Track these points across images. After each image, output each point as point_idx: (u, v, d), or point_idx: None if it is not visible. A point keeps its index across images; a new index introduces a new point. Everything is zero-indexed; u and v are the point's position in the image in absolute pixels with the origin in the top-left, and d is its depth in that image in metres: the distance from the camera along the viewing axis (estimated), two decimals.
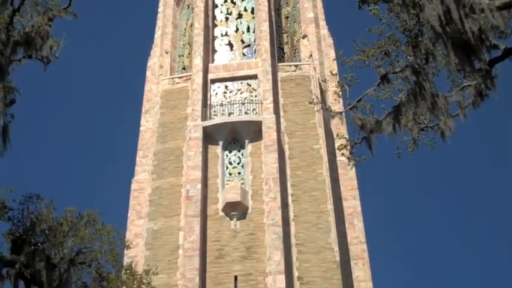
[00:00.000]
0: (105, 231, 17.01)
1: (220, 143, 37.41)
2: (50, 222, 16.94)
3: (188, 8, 44.68)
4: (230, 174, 36.79)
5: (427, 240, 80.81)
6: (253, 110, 38.36)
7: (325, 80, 37.95)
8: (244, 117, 38.06)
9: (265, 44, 39.85)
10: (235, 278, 33.46)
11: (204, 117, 38.11)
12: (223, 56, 41.65)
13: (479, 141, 77.34)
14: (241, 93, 39.19)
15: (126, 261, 21.78)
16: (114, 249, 17.00)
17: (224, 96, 39.21)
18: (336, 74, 36.75)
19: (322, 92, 38.70)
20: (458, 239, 79.15)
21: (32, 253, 16.56)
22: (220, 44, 42.01)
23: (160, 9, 45.18)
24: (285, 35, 43.35)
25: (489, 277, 75.50)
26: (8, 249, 16.78)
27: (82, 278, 17.05)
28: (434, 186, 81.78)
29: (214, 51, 41.69)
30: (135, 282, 17.01)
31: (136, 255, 33.34)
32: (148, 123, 39.78)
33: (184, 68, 42.14)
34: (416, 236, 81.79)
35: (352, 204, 36.56)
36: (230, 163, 37.12)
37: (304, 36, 41.93)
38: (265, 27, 40.56)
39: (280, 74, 39.74)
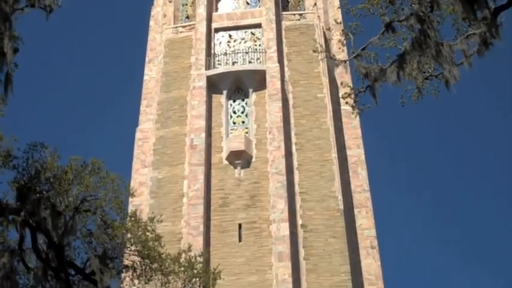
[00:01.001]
0: (110, 179, 17.09)
1: (224, 92, 37.39)
2: (54, 171, 16.99)
3: None
4: (234, 123, 36.85)
5: (431, 187, 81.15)
6: (257, 59, 38.25)
7: (329, 28, 37.77)
8: (248, 67, 37.97)
9: None
10: (240, 225, 33.73)
11: (208, 67, 38.02)
12: (227, 5, 41.36)
13: (484, 90, 77.07)
14: (245, 42, 39.03)
15: (130, 209, 21.92)
16: (119, 197, 17.10)
17: (228, 45, 39.05)
18: (340, 23, 36.32)
19: (327, 41, 38.48)
20: (463, 182, 79.42)
21: (37, 201, 16.66)
22: None
23: None
24: None
25: (494, 209, 76.00)
26: (14, 197, 16.88)
27: (87, 225, 17.20)
28: (438, 135, 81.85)
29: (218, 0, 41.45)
30: (140, 229, 17.16)
31: (140, 203, 33.56)
32: (152, 73, 39.68)
33: (187, 17, 41.87)
34: (420, 183, 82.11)
35: (356, 152, 36.63)
36: (234, 112, 37.14)
37: None
38: None
39: (284, 23, 39.50)
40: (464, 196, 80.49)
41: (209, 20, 39.51)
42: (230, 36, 39.30)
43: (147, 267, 17.32)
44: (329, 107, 36.61)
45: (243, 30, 39.39)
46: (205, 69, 37.66)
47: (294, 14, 40.23)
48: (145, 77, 39.71)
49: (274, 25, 38.47)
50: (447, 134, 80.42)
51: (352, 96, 18.21)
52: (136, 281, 17.81)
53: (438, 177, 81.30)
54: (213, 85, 37.34)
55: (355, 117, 28.44)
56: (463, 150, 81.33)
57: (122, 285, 17.99)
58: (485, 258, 77.55)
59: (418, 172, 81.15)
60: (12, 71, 16.78)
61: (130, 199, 28.53)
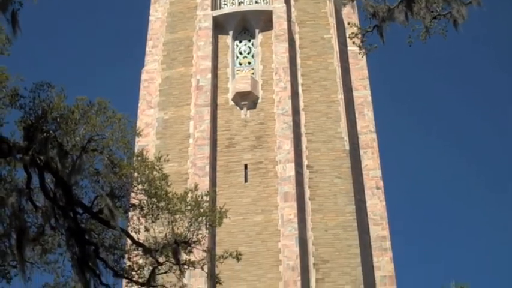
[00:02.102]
0: (116, 119, 17.08)
1: (231, 32, 37.17)
2: (61, 110, 16.97)
3: None
4: (240, 64, 36.72)
5: (437, 128, 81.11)
6: None
7: None
8: (254, 7, 37.68)
9: None
10: (245, 166, 33.87)
11: (214, 7, 37.72)
12: None
13: (492, 31, 76.46)
14: None
15: (137, 149, 21.99)
16: (125, 137, 17.12)
17: None
18: None
19: None
20: (470, 121, 79.43)
21: (44, 140, 16.70)
22: None
23: None
24: None
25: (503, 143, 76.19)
26: (21, 136, 16.92)
27: (94, 164, 17.28)
28: (445, 76, 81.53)
29: None
30: (147, 168, 17.23)
31: (147, 144, 33.67)
32: (158, 13, 39.37)
33: None
34: (426, 123, 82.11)
35: (362, 94, 36.54)
36: (240, 53, 36.98)
37: None
38: None
39: None
40: (471, 134, 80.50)
41: None
42: None
43: (154, 206, 17.45)
44: (336, 47, 36.42)
45: None
46: (211, 10, 37.38)
47: None
48: (151, 18, 39.41)
49: None
50: (454, 75, 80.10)
51: (359, 36, 18.10)
52: (143, 220, 17.97)
53: (444, 117, 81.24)
54: (219, 26, 37.11)
55: (362, 57, 28.35)
56: (470, 90, 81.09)
57: (129, 224, 18.17)
58: (492, 193, 78.02)
59: (424, 113, 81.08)
60: (17, 9, 16.66)
61: (136, 140, 28.68)
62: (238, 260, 18.28)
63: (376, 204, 33.39)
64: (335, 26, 37.01)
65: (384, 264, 31.84)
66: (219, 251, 19.41)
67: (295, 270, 30.69)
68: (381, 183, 33.99)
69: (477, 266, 76.83)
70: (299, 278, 30.49)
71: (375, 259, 32.02)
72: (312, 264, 31.41)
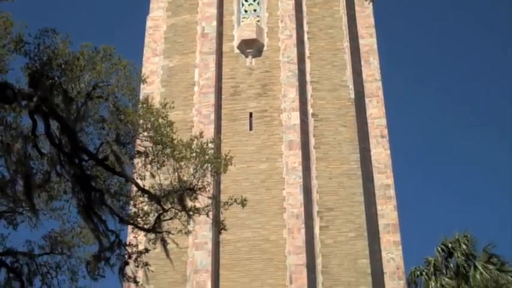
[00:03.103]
0: (121, 66, 16.99)
1: None
2: (66, 57, 16.90)
3: None
4: (245, 11, 36.42)
5: (442, 77, 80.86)
6: None
7: None
8: None
9: None
10: (250, 114, 33.84)
11: None
12: None
13: None
14: None
15: (142, 97, 21.92)
16: (131, 84, 17.08)
17: None
18: None
19: None
20: (473, 71, 79.08)
21: (49, 87, 16.65)
22: None
23: None
24: None
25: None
26: (26, 83, 16.89)
27: (99, 111, 17.27)
28: (451, 25, 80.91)
29: None
30: (152, 115, 17.21)
31: (152, 92, 33.58)
32: None
33: None
34: (432, 73, 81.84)
35: (368, 42, 36.23)
36: (245, 0, 36.66)
37: None
38: None
39: None
40: (474, 85, 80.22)
41: None
42: None
43: (160, 153, 17.47)
44: None
45: None
46: None
47: None
48: None
49: None
50: (460, 25, 79.50)
51: None
52: (148, 166, 18.01)
53: (449, 66, 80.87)
54: None
55: (369, 4, 28.11)
56: (475, 40, 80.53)
57: (134, 171, 18.22)
58: (495, 141, 78.10)
59: (430, 63, 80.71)
60: None
61: (141, 87, 28.60)
62: (243, 206, 18.35)
63: (380, 152, 33.39)
64: None
65: (387, 212, 31.98)
66: (223, 198, 19.52)
67: (299, 217, 30.89)
68: (385, 132, 33.94)
69: (480, 215, 77.23)
70: (303, 225, 30.70)
71: (378, 207, 32.16)
72: (316, 212, 31.59)
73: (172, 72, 35.24)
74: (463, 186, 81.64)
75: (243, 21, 35.89)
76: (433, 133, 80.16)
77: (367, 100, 34.58)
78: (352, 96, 33.80)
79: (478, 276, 36.11)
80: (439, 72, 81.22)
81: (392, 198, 32.31)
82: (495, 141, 79.54)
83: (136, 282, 20.08)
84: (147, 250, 19.53)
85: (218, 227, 20.52)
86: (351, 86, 33.97)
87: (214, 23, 35.17)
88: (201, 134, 18.73)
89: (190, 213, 18.16)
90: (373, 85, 34.97)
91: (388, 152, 33.39)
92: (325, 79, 34.33)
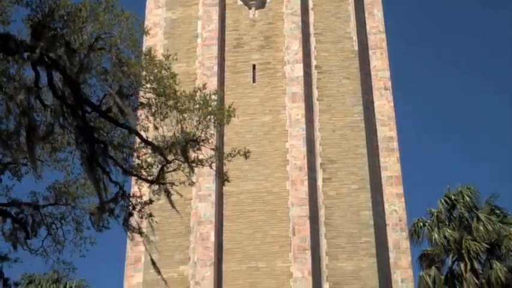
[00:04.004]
0: (124, 17, 16.87)
1: None
2: (68, 8, 16.78)
3: None
4: None
5: (446, 30, 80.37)
6: None
7: None
8: None
9: None
10: (254, 66, 33.74)
11: None
12: None
13: None
14: None
15: (145, 49, 21.80)
16: (133, 35, 16.98)
17: None
18: None
19: None
20: (476, 28, 78.62)
21: (51, 38, 16.57)
22: None
23: None
24: None
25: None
26: (28, 34, 16.80)
27: (102, 63, 17.19)
28: None
29: None
30: (155, 67, 17.14)
31: (155, 44, 33.41)
32: None
33: None
34: (436, 26, 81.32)
35: None
36: None
37: None
38: None
39: None
40: (477, 37, 79.79)
41: None
42: None
43: (163, 105, 17.45)
44: None
45: None
46: None
47: None
48: None
49: None
50: None
51: None
52: (151, 118, 18.02)
53: (453, 19, 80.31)
54: None
55: None
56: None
57: (137, 122, 18.22)
58: (496, 86, 77.95)
59: (435, 16, 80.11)
60: None
61: (144, 39, 28.49)
62: (246, 157, 18.37)
63: (384, 104, 33.36)
64: None
65: (390, 164, 32.06)
66: (226, 151, 19.52)
67: (302, 170, 30.99)
68: (389, 84, 33.87)
69: (483, 168, 77.42)
70: (306, 177, 30.81)
71: (381, 159, 32.22)
72: (319, 164, 31.68)
73: (175, 24, 35.06)
74: (466, 139, 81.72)
75: None
76: (437, 86, 79.97)
77: (370, 52, 34.43)
78: (356, 48, 33.65)
79: (480, 227, 36.36)
80: (443, 24, 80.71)
81: (396, 150, 32.35)
82: (498, 95, 79.36)
83: (140, 233, 20.23)
84: (151, 201, 19.63)
85: (221, 178, 20.56)
86: (355, 38, 33.79)
87: None
88: (204, 86, 18.66)
89: (194, 164, 18.20)
90: (377, 37, 34.77)
91: (392, 104, 33.35)
92: (329, 31, 34.15)
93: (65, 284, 40.74)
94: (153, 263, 22.65)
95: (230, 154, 18.49)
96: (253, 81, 33.48)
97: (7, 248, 20.14)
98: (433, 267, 38.19)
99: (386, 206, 31.27)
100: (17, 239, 19.83)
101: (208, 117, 17.69)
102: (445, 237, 36.78)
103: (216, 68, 33.02)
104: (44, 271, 39.49)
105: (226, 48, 34.12)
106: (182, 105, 17.38)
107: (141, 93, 17.82)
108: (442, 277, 37.76)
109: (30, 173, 19.78)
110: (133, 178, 19.81)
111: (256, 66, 33.69)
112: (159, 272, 22.10)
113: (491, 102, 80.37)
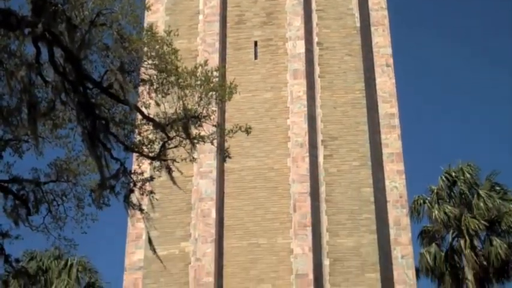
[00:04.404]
0: None
1: None
2: None
3: None
4: None
5: (447, 7, 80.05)
6: None
7: None
8: None
9: None
10: (255, 43, 33.64)
11: None
12: None
13: None
14: None
15: (146, 26, 21.69)
16: (135, 11, 16.89)
17: None
18: None
19: None
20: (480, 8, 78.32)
21: (52, 14, 16.48)
22: None
23: None
24: None
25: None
26: (29, 10, 16.72)
27: (103, 39, 17.12)
28: None
29: None
30: (157, 43, 17.06)
31: (156, 20, 33.30)
32: None
33: None
34: (437, 3, 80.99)
35: None
36: None
37: None
38: None
39: None
40: (476, 16, 79.51)
41: None
42: None
43: (164, 81, 17.39)
44: None
45: None
46: None
47: None
48: None
49: None
50: None
51: None
52: (153, 95, 17.96)
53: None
54: None
55: None
56: None
57: (139, 99, 18.17)
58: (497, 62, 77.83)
59: None
60: None
61: (145, 15, 28.38)
62: (248, 133, 18.34)
63: (385, 81, 33.29)
64: None
65: (391, 141, 32.04)
66: (228, 128, 19.50)
67: (303, 146, 30.99)
68: (391, 61, 33.77)
69: (484, 145, 77.42)
70: (307, 154, 30.83)
71: (383, 136, 32.20)
72: (320, 140, 31.68)
73: (176, 0, 34.90)
74: (468, 116, 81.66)
75: None
76: (438, 63, 79.78)
77: (372, 29, 34.30)
78: (358, 24, 33.53)
79: (481, 204, 36.38)
80: (445, 1, 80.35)
81: (397, 127, 32.33)
82: (499, 71, 79.16)
83: (141, 210, 20.23)
84: (152, 178, 19.62)
85: (223, 155, 20.54)
86: (357, 15, 33.67)
87: None
88: (205, 62, 18.58)
89: (195, 141, 18.17)
90: (379, 13, 34.62)
91: (393, 81, 33.28)
92: (331, 7, 34.00)
93: (66, 260, 40.84)
94: (150, 241, 22.64)
95: (231, 130, 18.44)
96: (255, 58, 33.40)
97: (8, 225, 20.15)
98: (433, 244, 38.28)
99: (387, 182, 31.29)
100: (18, 216, 19.83)
101: (210, 93, 17.63)
102: (445, 213, 36.82)
103: (217, 45, 32.93)
104: (45, 248, 39.62)
105: (228, 24, 34.00)
106: (184, 82, 17.32)
107: (143, 69, 17.76)
108: (442, 254, 37.86)
109: (32, 150, 19.75)
110: (135, 155, 19.77)
111: (258, 43, 33.59)
112: (154, 251, 22.09)
113: (492, 79, 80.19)
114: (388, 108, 32.73)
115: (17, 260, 21.57)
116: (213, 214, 30.11)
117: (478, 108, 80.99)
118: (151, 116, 18.17)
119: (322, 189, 30.77)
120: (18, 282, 35.27)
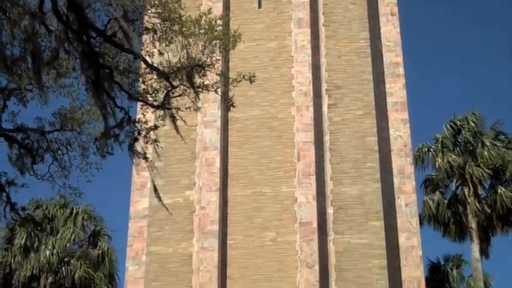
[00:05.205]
0: None
1: None
2: None
3: None
4: None
5: None
6: None
7: None
8: None
9: None
10: None
11: None
12: None
13: None
14: None
15: None
16: None
17: None
18: None
19: None
20: None
21: None
22: None
23: None
24: None
25: None
26: None
27: None
28: None
29: None
30: None
31: None
32: None
33: None
34: None
35: None
36: None
37: None
38: None
39: None
40: None
41: None
42: None
43: (168, 30, 17.31)
44: None
45: None
46: None
47: None
48: None
49: None
50: None
51: None
52: (157, 43, 17.89)
53: None
54: None
55: None
56: None
57: (142, 48, 18.12)
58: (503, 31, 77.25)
59: None
60: None
61: None
62: (251, 82, 18.30)
63: (390, 30, 33.09)
64: None
65: (396, 90, 31.98)
66: (232, 77, 19.46)
67: (307, 95, 30.97)
68: (395, 10, 33.53)
69: (489, 94, 77.24)
70: (311, 103, 30.82)
71: (387, 85, 32.13)
72: (324, 90, 31.64)
73: None
74: (473, 66, 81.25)
75: None
76: (443, 11, 79.12)
77: None
78: None
79: (485, 153, 36.51)
80: None
81: (401, 76, 32.24)
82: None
83: (146, 158, 20.29)
84: (156, 127, 19.64)
85: (227, 104, 20.54)
86: None
87: None
88: (209, 11, 18.47)
89: (199, 90, 18.16)
90: None
91: (398, 30, 33.09)
92: None
93: (71, 208, 41.19)
94: (155, 190, 22.80)
95: (235, 79, 18.41)
96: (259, 6, 33.19)
97: (14, 173, 20.26)
98: (437, 192, 38.53)
99: (391, 131, 31.31)
100: (24, 165, 19.93)
101: (214, 42, 17.56)
102: (449, 162, 36.99)
103: None
104: (50, 196, 39.93)
105: None
106: (187, 30, 17.23)
107: (146, 18, 17.67)
108: (446, 201, 38.12)
109: (36, 99, 19.77)
110: (139, 104, 19.79)
111: None
112: (159, 199, 22.26)
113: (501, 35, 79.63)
114: (393, 57, 32.60)
115: (23, 208, 21.71)
116: (217, 163, 30.23)
117: (485, 57, 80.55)
118: (155, 65, 18.13)
119: (326, 138, 30.82)
120: (25, 230, 35.61)
